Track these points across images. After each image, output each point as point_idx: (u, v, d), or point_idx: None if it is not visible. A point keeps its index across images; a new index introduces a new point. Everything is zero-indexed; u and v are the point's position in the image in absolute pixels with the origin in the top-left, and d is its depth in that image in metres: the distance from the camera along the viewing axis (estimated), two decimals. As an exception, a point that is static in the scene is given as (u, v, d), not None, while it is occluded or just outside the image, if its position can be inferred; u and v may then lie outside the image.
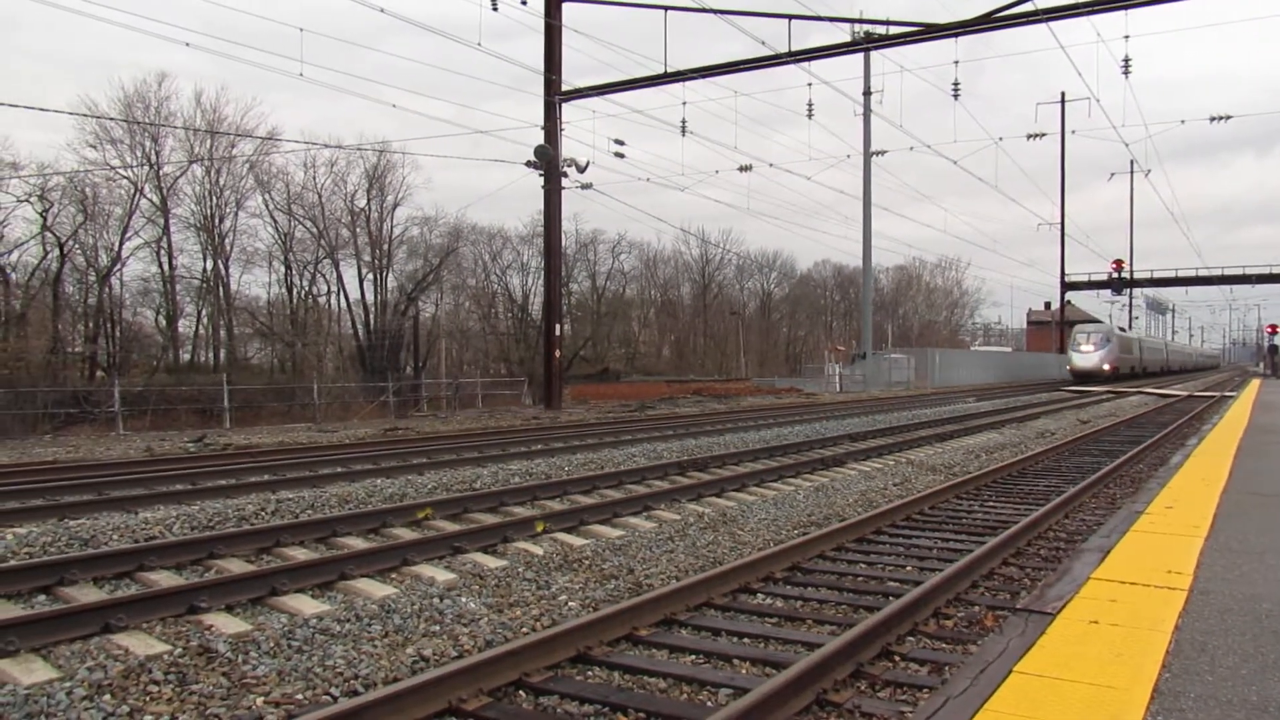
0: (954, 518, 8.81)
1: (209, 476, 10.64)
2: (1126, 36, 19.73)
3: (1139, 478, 11.12)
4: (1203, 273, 61.26)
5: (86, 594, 5.76)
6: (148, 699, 4.10)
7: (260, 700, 4.12)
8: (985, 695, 2.94)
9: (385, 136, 55.25)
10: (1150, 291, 72.83)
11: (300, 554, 6.94)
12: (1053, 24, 18.29)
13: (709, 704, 4.18)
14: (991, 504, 9.59)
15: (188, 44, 21.11)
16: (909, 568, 6.81)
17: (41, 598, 5.74)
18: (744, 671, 4.60)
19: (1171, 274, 62.53)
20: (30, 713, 3.89)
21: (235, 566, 6.52)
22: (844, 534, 7.57)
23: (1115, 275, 57.79)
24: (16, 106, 25.43)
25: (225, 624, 5.18)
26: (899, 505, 8.79)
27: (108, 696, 4.08)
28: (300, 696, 4.18)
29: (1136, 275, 61.35)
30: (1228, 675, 3.11)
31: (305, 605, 5.59)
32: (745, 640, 5.07)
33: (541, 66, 21.24)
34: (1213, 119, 24.62)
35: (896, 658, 4.70)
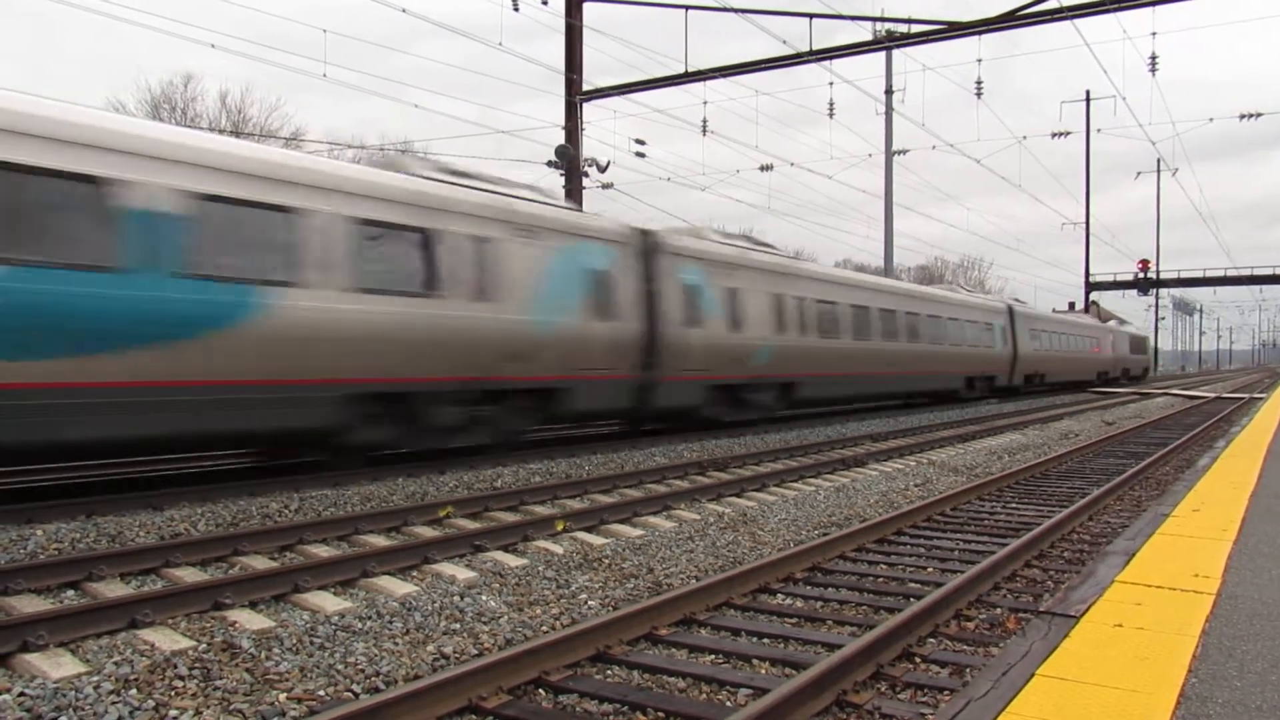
0: (976, 519, 8.74)
1: (233, 474, 10.74)
2: (1153, 33, 19.43)
3: (1165, 480, 10.99)
4: (1231, 272, 60.29)
5: (113, 589, 5.84)
6: (173, 694, 4.14)
7: (283, 696, 4.15)
8: (1007, 698, 2.92)
9: (409, 137, 55.72)
10: (1177, 292, 71.73)
11: (322, 551, 6.99)
12: (1078, 21, 18.09)
13: (728, 704, 4.18)
14: (1014, 505, 9.51)
15: (213, 45, 21.32)
16: (930, 569, 6.77)
17: (70, 593, 5.82)
18: (764, 671, 4.59)
19: (1199, 274, 61.61)
20: (59, 706, 3.95)
21: (259, 563, 6.59)
22: (865, 534, 7.53)
23: (1141, 275, 57.08)
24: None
25: (249, 620, 5.23)
26: (920, 506, 8.73)
27: (134, 691, 4.13)
28: (322, 693, 4.21)
29: (1163, 275, 60.53)
30: (1256, 681, 3.07)
31: (327, 602, 5.64)
32: (765, 640, 5.06)
33: (563, 66, 21.30)
34: (1243, 116, 24.24)
35: (917, 659, 4.67)
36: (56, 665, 4.42)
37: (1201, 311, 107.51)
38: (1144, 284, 57.66)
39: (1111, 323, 49.83)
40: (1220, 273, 60.35)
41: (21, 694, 4.05)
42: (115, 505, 8.16)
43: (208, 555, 6.65)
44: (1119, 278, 59.35)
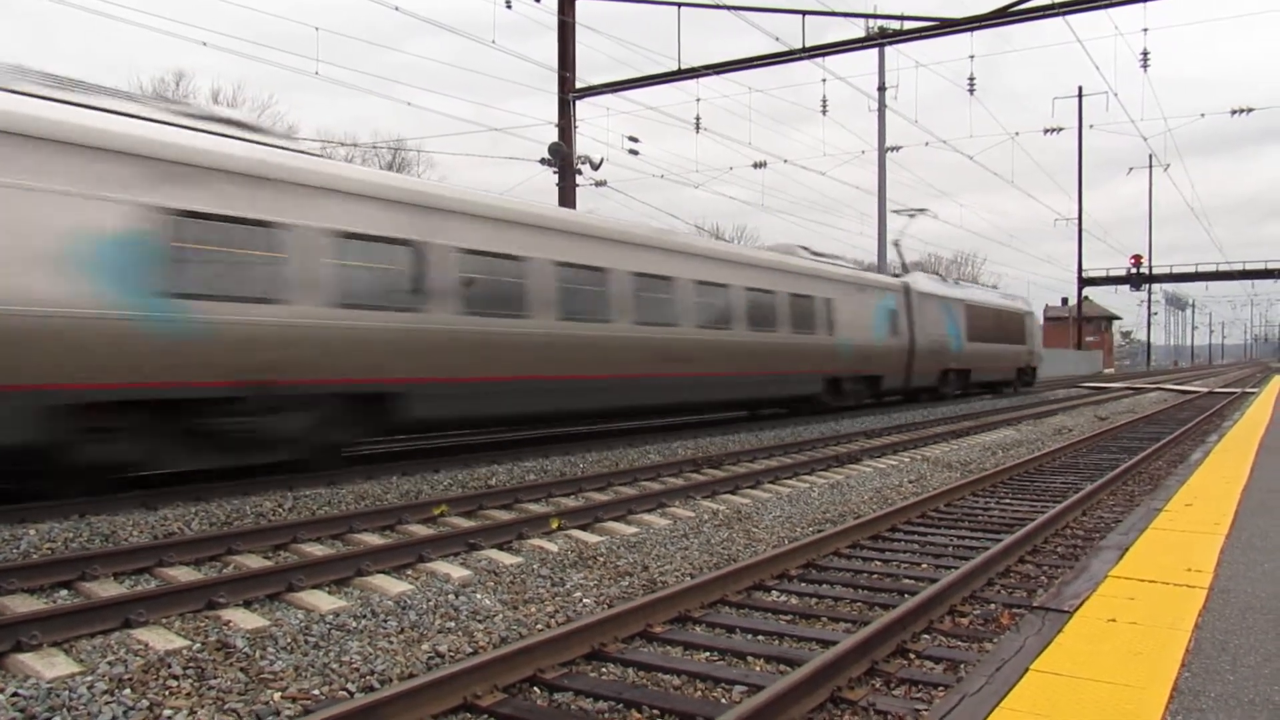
0: (970, 515, 8.76)
1: (227, 474, 10.70)
2: (1145, 29, 19.49)
3: (1158, 475, 11.03)
4: (1223, 267, 60.46)
5: (107, 589, 5.82)
6: (167, 693, 4.13)
7: (277, 695, 4.15)
8: (1001, 693, 2.92)
9: (403, 135, 55.67)
10: (1170, 287, 72.00)
11: (317, 550, 6.98)
12: (1069, 17, 18.15)
13: (723, 701, 4.18)
14: (1008, 501, 9.53)
15: (204, 43, 21.29)
16: (925, 565, 6.78)
17: (63, 592, 5.80)
18: (758, 669, 4.60)
19: (1192, 269, 61.75)
20: (53, 706, 3.93)
21: (253, 562, 6.57)
22: (859, 531, 7.55)
23: (1134, 270, 57.31)
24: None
25: (243, 619, 5.22)
26: (914, 502, 8.75)
27: (128, 691, 4.12)
28: (317, 692, 4.20)
29: (1156, 271, 60.71)
30: (1249, 675, 3.08)
31: (322, 601, 5.63)
32: (760, 637, 5.07)
33: (555, 64, 21.27)
34: (1234, 112, 24.37)
35: (912, 655, 4.68)
36: (50, 665, 4.41)
37: (1194, 307, 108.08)
38: (1137, 279, 57.90)
39: (924, 279, 25.71)
40: (1212, 268, 60.50)
41: (15, 694, 4.04)
42: (108, 505, 8.13)
43: (201, 554, 6.63)
44: (1112, 273, 59.53)
